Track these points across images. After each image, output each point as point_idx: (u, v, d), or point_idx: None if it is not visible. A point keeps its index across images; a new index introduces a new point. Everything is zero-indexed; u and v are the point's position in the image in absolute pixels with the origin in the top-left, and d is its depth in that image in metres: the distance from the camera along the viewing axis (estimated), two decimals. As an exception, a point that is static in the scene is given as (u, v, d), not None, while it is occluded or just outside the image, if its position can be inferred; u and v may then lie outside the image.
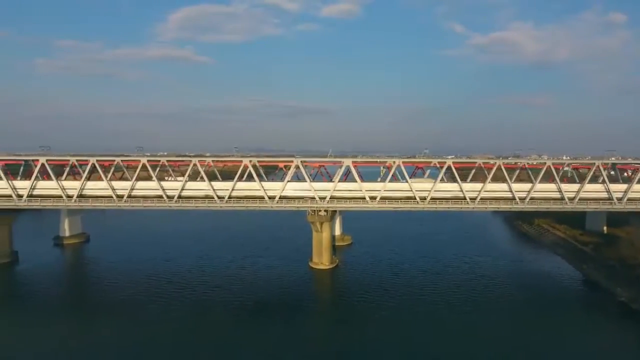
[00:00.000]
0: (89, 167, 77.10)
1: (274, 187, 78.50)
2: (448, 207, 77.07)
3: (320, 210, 75.94)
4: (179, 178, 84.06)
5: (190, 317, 57.13)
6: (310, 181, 78.79)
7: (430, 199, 76.16)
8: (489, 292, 67.74)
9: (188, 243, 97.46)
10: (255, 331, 52.92)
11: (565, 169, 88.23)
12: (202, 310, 59.92)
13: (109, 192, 76.86)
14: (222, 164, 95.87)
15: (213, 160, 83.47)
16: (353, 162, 77.50)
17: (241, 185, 78.48)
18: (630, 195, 76.13)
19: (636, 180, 76.20)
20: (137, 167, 79.03)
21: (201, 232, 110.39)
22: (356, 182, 76.68)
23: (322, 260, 77.88)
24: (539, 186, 76.81)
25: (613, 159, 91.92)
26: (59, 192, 77.33)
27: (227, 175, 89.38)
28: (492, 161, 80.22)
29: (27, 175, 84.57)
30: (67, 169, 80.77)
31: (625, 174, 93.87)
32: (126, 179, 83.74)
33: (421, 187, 77.83)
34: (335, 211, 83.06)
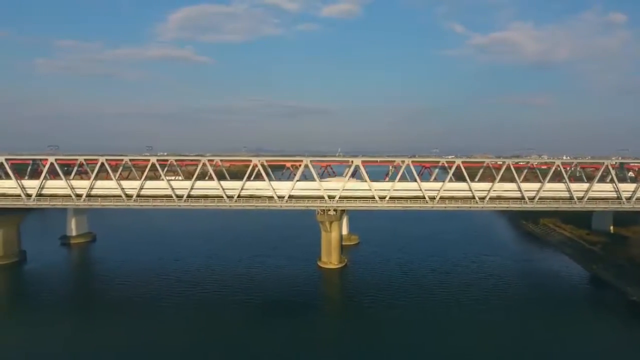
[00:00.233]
0: (98, 166, 76.95)
1: (282, 187, 78.49)
2: (457, 207, 77.08)
3: (329, 210, 75.94)
4: (178, 178, 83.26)
5: (200, 316, 57.15)
6: (320, 180, 78.76)
7: (439, 198, 76.09)
8: (500, 291, 67.82)
9: (196, 242, 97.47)
10: (266, 330, 52.94)
11: (573, 168, 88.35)
12: (212, 309, 60.03)
13: (118, 192, 76.71)
14: (229, 164, 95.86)
15: (221, 160, 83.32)
16: (362, 161, 77.49)
17: (250, 184, 78.46)
18: (639, 194, 76.18)
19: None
20: (138, 166, 78.83)
21: (208, 231, 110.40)
22: (365, 181, 76.82)
23: (331, 259, 77.89)
24: (547, 185, 76.88)
25: (621, 158, 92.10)
26: (67, 192, 77.22)
27: (233, 175, 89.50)
28: (500, 161, 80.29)
29: (34, 175, 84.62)
30: (75, 168, 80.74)
31: (631, 173, 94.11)
32: (133, 179, 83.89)
33: (430, 186, 77.95)
34: (344, 211, 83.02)
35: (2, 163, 77.05)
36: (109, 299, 63.66)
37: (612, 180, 77.10)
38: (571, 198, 76.87)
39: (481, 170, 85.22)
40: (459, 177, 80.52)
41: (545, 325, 54.53)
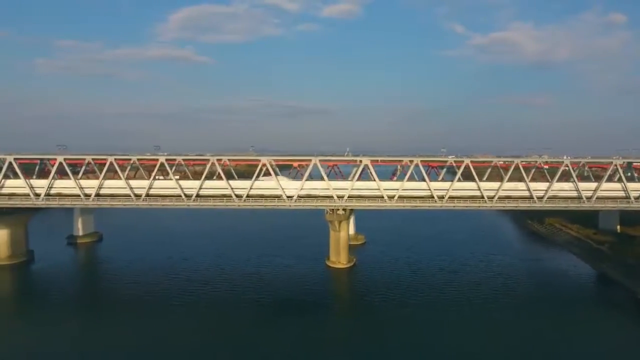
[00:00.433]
0: (107, 165, 76.84)
1: (290, 186, 78.50)
2: (466, 206, 77.21)
3: (338, 209, 75.98)
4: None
5: (211, 315, 57.07)
6: (328, 180, 78.81)
7: (448, 197, 76.21)
8: (509, 290, 67.99)
9: (202, 242, 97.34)
10: (277, 329, 52.93)
11: (581, 168, 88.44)
12: (223, 308, 60.01)
13: (127, 191, 76.60)
14: (235, 163, 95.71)
15: (229, 159, 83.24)
16: (371, 160, 77.57)
17: (258, 183, 78.44)
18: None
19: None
20: (144, 166, 78.41)
21: (214, 231, 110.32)
22: (373, 181, 76.95)
23: (339, 259, 77.91)
24: (555, 185, 76.98)
25: (621, 157, 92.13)
26: (75, 191, 77.08)
27: (239, 174, 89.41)
28: (508, 160, 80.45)
29: (41, 175, 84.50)
30: (83, 167, 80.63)
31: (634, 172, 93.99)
32: (140, 178, 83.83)
33: (438, 186, 78.08)
34: (352, 210, 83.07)
35: (10, 163, 76.82)
36: (117, 298, 63.62)
37: (620, 180, 77.29)
38: (579, 197, 76.99)
39: (489, 170, 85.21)
40: (465, 177, 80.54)
41: (555, 324, 54.64)
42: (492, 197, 76.10)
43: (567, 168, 77.23)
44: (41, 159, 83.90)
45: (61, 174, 79.81)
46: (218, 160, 78.31)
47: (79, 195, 76.76)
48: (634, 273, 68.71)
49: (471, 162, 77.54)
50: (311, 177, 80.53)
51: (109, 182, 78.56)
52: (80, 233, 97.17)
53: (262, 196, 77.60)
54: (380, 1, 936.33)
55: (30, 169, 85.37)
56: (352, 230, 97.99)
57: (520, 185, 77.80)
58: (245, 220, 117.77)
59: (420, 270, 77.97)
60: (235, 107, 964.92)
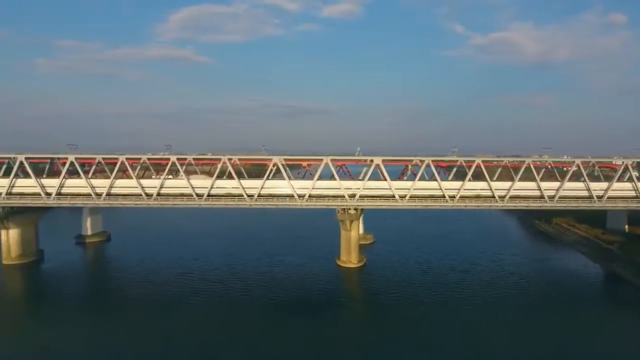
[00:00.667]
0: (118, 164, 76.84)
1: (301, 185, 78.53)
2: (478, 206, 77.37)
3: (349, 209, 76.06)
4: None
5: (223, 314, 57.17)
6: (339, 179, 78.92)
7: (459, 197, 76.33)
8: (521, 289, 68.17)
9: (212, 242, 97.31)
10: (289, 329, 53.08)
11: (591, 167, 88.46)
12: (235, 307, 59.99)
13: (138, 191, 76.57)
14: (244, 163, 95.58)
15: (240, 159, 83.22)
16: (383, 160, 77.68)
17: (269, 183, 78.45)
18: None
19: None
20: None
21: (223, 230, 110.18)
22: (384, 180, 77.05)
23: (350, 258, 77.99)
24: (565, 184, 77.07)
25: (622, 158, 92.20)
26: (86, 190, 77.05)
27: (248, 174, 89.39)
28: (519, 160, 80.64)
29: (50, 174, 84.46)
30: (93, 167, 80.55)
31: (635, 172, 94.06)
32: (149, 177, 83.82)
33: (449, 185, 78.17)
34: (362, 210, 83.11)
35: (21, 162, 76.78)
36: (128, 297, 63.63)
37: (630, 179, 77.48)
38: (590, 197, 77.14)
39: (499, 170, 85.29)
40: (474, 176, 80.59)
41: (568, 323, 55.03)
42: (504, 197, 76.22)
43: (577, 168, 77.31)
44: (52, 159, 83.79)
45: (70, 173, 79.78)
46: (229, 159, 78.34)
47: (90, 195, 76.69)
48: (645, 272, 68.87)
49: (482, 162, 77.59)
50: (320, 177, 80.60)
51: (119, 182, 78.56)
52: (89, 232, 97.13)
53: (272, 195, 77.62)
54: (381, 1, 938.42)
55: (37, 169, 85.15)
56: (361, 230, 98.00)
57: (531, 184, 77.94)
58: (254, 220, 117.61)
59: (431, 269, 78.06)
60: (235, 107, 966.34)
